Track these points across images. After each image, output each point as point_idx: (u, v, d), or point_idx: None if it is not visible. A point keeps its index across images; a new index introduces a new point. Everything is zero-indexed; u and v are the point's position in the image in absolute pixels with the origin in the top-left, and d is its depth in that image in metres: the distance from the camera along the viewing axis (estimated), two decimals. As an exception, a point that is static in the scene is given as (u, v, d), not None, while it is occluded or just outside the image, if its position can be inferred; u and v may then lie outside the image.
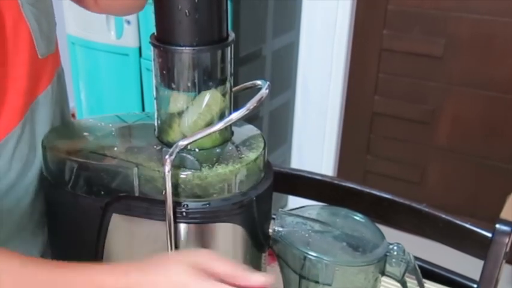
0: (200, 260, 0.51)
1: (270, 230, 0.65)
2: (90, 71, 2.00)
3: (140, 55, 1.87)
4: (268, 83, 0.61)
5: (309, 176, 0.95)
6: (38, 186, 0.65)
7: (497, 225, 0.80)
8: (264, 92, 0.59)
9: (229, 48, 0.59)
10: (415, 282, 0.66)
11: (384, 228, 0.67)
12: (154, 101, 0.62)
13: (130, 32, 1.82)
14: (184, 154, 0.59)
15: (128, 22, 1.79)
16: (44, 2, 0.63)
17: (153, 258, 0.52)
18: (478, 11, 1.87)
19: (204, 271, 0.50)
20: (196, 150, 0.60)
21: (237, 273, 0.51)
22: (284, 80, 2.12)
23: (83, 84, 2.04)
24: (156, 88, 0.61)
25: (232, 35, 0.59)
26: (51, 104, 0.67)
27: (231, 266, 0.52)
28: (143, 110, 1.94)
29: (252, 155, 0.60)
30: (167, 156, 0.55)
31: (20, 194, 0.63)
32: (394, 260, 0.62)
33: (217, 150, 0.61)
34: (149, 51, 1.69)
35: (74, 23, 1.93)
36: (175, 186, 0.57)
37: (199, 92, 0.59)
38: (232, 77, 0.61)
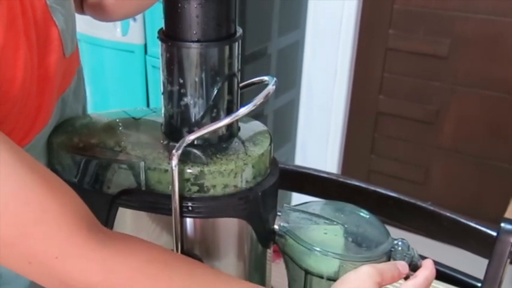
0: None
1: (275, 226, 0.65)
2: (95, 67, 2.00)
3: (146, 52, 1.87)
4: (275, 79, 0.61)
5: (314, 173, 0.96)
6: None
7: (502, 224, 0.80)
8: (271, 87, 0.59)
9: (236, 43, 0.59)
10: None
11: (388, 227, 0.67)
12: (162, 96, 0.62)
13: (136, 29, 1.82)
14: (191, 149, 0.59)
15: (134, 19, 1.79)
16: (69, 0, 0.64)
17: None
18: (484, 11, 1.87)
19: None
20: (203, 145, 0.61)
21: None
22: (289, 78, 2.12)
23: (88, 81, 2.04)
24: (163, 83, 0.61)
25: (239, 31, 0.60)
26: (72, 102, 0.68)
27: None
28: (148, 107, 1.95)
29: (258, 151, 0.61)
30: (174, 151, 0.55)
31: None
32: (398, 255, 0.62)
33: (224, 145, 0.61)
34: (155, 49, 1.69)
35: (79, 20, 1.93)
36: (182, 181, 0.57)
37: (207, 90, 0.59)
38: (239, 73, 0.62)
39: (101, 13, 0.77)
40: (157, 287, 0.49)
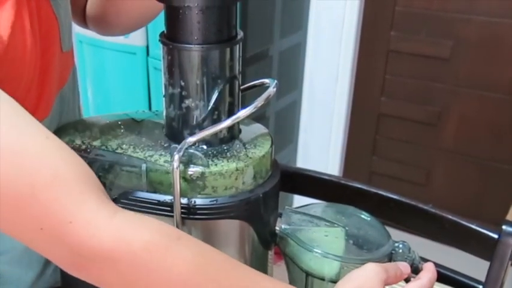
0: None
1: (277, 228, 0.65)
2: (97, 69, 2.01)
3: (148, 54, 1.87)
4: (275, 81, 0.62)
5: (316, 175, 0.95)
6: None
7: (504, 227, 0.80)
8: (271, 90, 0.60)
9: (237, 46, 0.59)
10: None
11: (389, 229, 0.67)
12: (163, 99, 0.62)
13: (138, 31, 1.81)
14: (192, 151, 0.59)
15: (136, 21, 1.79)
16: None
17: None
18: (486, 13, 1.87)
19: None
20: (204, 147, 0.61)
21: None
22: (291, 80, 2.12)
23: (90, 83, 2.05)
24: (165, 86, 0.61)
25: (240, 33, 0.60)
26: (70, 101, 0.69)
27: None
28: (150, 109, 1.95)
29: (259, 153, 0.61)
30: (175, 153, 0.55)
31: None
32: (399, 257, 0.62)
33: (225, 147, 0.61)
34: (156, 50, 1.68)
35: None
36: (183, 183, 0.57)
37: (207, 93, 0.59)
38: (240, 75, 0.62)
39: (103, 26, 0.78)
40: (169, 258, 0.48)
